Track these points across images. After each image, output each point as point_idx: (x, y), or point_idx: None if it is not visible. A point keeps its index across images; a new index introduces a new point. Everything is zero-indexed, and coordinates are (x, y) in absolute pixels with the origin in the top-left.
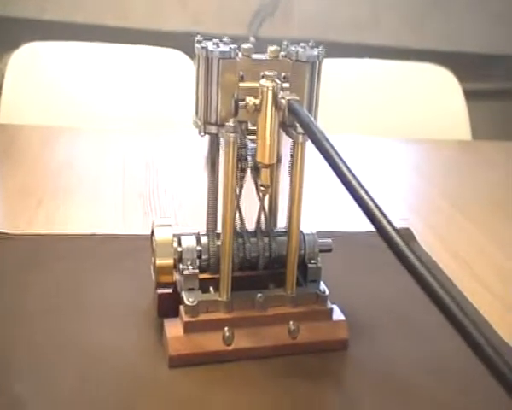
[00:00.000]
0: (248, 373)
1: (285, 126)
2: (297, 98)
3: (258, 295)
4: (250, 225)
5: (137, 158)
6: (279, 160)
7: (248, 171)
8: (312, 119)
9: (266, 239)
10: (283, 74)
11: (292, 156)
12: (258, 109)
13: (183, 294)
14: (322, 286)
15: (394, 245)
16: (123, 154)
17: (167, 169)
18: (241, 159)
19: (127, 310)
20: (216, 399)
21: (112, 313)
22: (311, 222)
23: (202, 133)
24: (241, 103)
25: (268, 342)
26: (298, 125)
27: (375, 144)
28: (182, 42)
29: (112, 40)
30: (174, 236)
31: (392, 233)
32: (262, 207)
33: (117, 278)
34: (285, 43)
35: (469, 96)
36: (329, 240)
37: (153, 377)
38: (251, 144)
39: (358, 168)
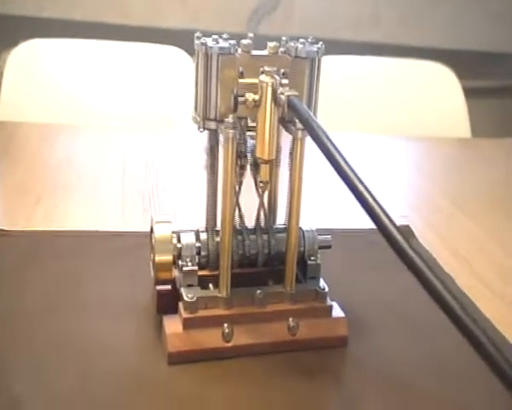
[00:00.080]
0: (248, 370)
1: (284, 122)
2: (296, 94)
3: (258, 291)
4: (249, 222)
5: (137, 155)
6: (278, 156)
7: (248, 167)
8: (312, 114)
9: (265, 236)
10: (282, 70)
11: (291, 152)
12: (257, 105)
13: (182, 290)
14: (322, 283)
15: (394, 241)
16: (122, 151)
17: (167, 167)
18: (241, 155)
19: (126, 307)
20: (215, 395)
21: (111, 309)
22: (311, 219)
23: (201, 129)
24: (240, 99)
25: (267, 338)
26: (297, 120)
27: (375, 142)
28: (181, 39)
29: (111, 37)
30: (173, 232)
31: (392, 230)
32: (261, 204)
33: (116, 274)
34: (284, 39)
35: (469, 93)
36: (329, 237)
37: (152, 373)
38: (250, 140)
39: (358, 166)
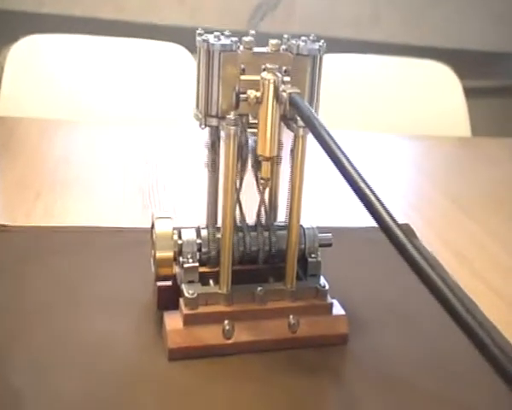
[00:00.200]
0: (248, 367)
1: (286, 120)
2: (298, 91)
3: (259, 288)
4: (250, 219)
5: (137, 152)
6: (279, 153)
7: (249, 164)
8: (313, 112)
9: (266, 233)
10: (284, 68)
11: (292, 150)
12: (259, 102)
13: (183, 286)
14: (322, 281)
15: (395, 238)
16: (122, 147)
17: (166, 163)
18: (242, 152)
19: (126, 303)
20: (215, 392)
21: (111, 305)
22: (312, 216)
23: (203, 126)
24: (242, 96)
25: (268, 335)
26: (299, 118)
27: (375, 140)
28: (181, 36)
29: (109, 33)
30: (174, 229)
31: (394, 227)
32: (262, 201)
33: (116, 270)
34: (286, 36)
35: (469, 93)
36: (329, 234)
37: (152, 369)
38: (251, 137)
39: (358, 164)
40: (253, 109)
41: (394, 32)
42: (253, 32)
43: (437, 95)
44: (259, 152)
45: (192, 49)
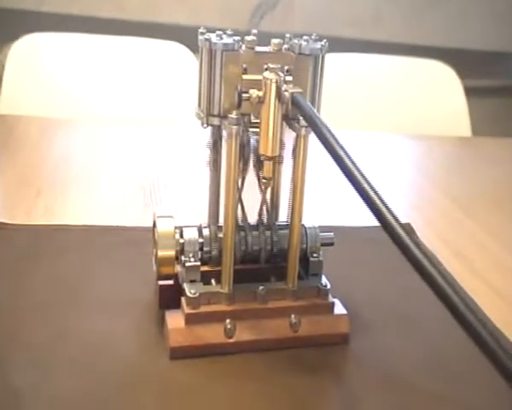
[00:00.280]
0: (249, 366)
1: (288, 119)
2: (300, 91)
3: (260, 287)
4: (252, 218)
5: (137, 150)
6: (281, 153)
7: (251, 163)
8: (315, 111)
9: (268, 232)
10: (286, 67)
11: (294, 149)
12: (261, 101)
13: (185, 285)
14: (324, 280)
15: (397, 238)
16: (123, 146)
17: (167, 162)
18: (244, 151)
19: (128, 301)
20: (217, 391)
21: (112, 304)
22: (313, 216)
23: (205, 125)
24: (244, 95)
25: (269, 335)
26: (301, 118)
27: (375, 140)
28: (181, 34)
29: (110, 32)
30: (176, 228)
31: (396, 226)
32: (264, 200)
33: (117, 269)
34: (288, 36)
35: (470, 92)
36: (331, 234)
37: (154, 368)
38: (253, 137)
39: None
40: (255, 109)
41: (395, 32)
42: (255, 31)
43: (438, 94)
44: (261, 151)
45: (192, 47)
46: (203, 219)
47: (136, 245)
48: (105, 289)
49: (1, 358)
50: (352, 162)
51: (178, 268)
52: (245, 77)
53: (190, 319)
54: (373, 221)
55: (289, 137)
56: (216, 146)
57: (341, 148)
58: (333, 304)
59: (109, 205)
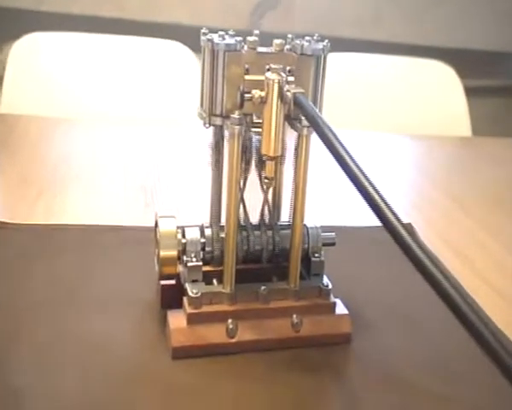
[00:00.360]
0: (251, 366)
1: (290, 119)
2: (302, 91)
3: (262, 287)
4: (254, 218)
5: (138, 150)
6: (283, 153)
7: (253, 163)
8: (318, 112)
9: (270, 232)
10: (288, 68)
11: (296, 149)
12: (263, 102)
13: (187, 285)
14: (326, 280)
15: (399, 238)
16: (123, 146)
17: (169, 162)
18: (246, 151)
19: (130, 301)
20: (219, 390)
21: (113, 304)
22: (315, 216)
23: (207, 125)
24: (246, 96)
25: (271, 334)
26: (303, 118)
27: (376, 140)
28: (181, 34)
29: (110, 31)
30: (178, 227)
31: (398, 226)
32: (266, 200)
33: (118, 269)
34: (290, 36)
35: (471, 92)
36: (333, 234)
37: (156, 368)
38: (255, 137)
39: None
40: (257, 109)
41: (395, 32)
42: (256, 31)
43: (438, 94)
44: (264, 152)
45: (193, 47)
46: (205, 219)
47: (138, 245)
48: (106, 289)
49: (1, 358)
50: (354, 162)
51: (180, 268)
52: (247, 77)
53: (192, 319)
54: (375, 221)
55: (291, 136)
56: (218, 146)
57: (343, 148)
58: (334, 304)
59: (110, 205)
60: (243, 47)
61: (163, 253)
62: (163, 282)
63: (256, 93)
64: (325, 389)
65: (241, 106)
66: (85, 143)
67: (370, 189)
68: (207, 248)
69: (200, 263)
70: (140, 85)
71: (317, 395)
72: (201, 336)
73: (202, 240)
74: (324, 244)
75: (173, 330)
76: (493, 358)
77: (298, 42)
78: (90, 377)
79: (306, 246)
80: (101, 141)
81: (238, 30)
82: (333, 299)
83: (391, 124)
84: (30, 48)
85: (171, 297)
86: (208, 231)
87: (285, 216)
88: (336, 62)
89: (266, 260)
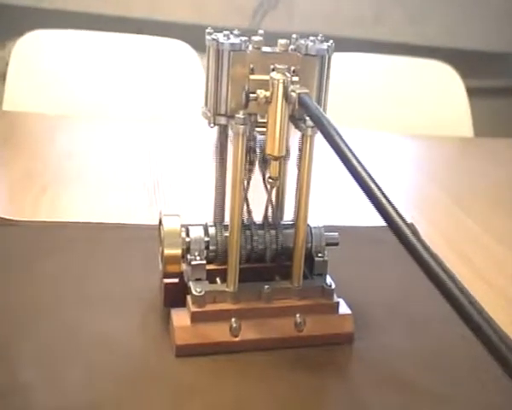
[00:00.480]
0: (254, 364)
1: (294, 119)
2: (307, 91)
3: (265, 286)
4: (257, 217)
5: (141, 148)
6: (288, 153)
7: (257, 163)
8: (322, 112)
9: (273, 232)
10: (293, 68)
11: (300, 149)
12: (268, 102)
13: (191, 284)
14: (329, 280)
15: (404, 238)
16: (127, 144)
17: (172, 160)
18: (250, 151)
19: (133, 299)
20: (222, 389)
21: (116, 302)
22: (319, 215)
23: (212, 124)
24: (251, 95)
25: (274, 334)
26: (307, 118)
27: (377, 139)
28: (184, 32)
29: (113, 30)
30: (182, 226)
31: (403, 226)
32: (270, 200)
33: (122, 267)
34: (294, 36)
35: (472, 93)
36: (336, 234)
37: (159, 366)
38: (260, 136)
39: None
40: (261, 109)
41: (397, 32)
42: (261, 31)
43: (440, 95)
44: (268, 151)
45: (195, 45)
46: (209, 218)
47: (142, 243)
48: (109, 287)
49: (8, 353)
50: (359, 162)
51: (184, 266)
52: (252, 77)
53: (196, 318)
54: (378, 221)
55: (295, 136)
56: (222, 145)
57: (348, 148)
58: (337, 304)
59: (113, 203)
60: (248, 47)
61: (167, 251)
62: (166, 280)
63: (261, 93)
64: (327, 388)
65: (246, 106)
66: (88, 140)
67: (375, 189)
68: (211, 247)
69: (204, 262)
70: (143, 84)
71: (319, 395)
72: (205, 335)
73: (206, 239)
74: (327, 244)
75: (177, 328)
76: (497, 358)
77: (302, 42)
78: (94, 374)
79: (310, 245)
80: (104, 139)
81: (240, 29)
82: (336, 299)
83: (392, 124)
84: (33, 45)
85: (175, 296)
86: (212, 230)
87: (288, 215)
88: (337, 62)
89: (270, 260)
